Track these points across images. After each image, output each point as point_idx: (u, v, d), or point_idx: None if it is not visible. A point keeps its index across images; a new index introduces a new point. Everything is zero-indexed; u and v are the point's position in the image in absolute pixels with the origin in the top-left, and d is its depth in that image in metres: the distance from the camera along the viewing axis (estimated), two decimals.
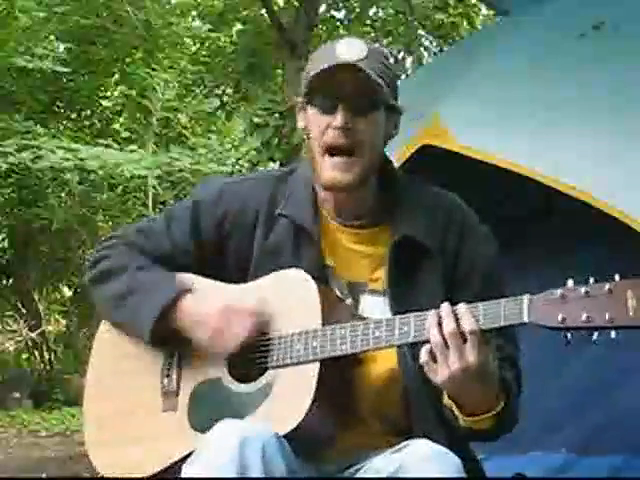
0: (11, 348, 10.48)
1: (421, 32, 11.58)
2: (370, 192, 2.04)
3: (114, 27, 9.54)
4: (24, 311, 10.48)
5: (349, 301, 2.01)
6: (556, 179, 3.13)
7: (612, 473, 3.38)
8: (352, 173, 1.95)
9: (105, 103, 10.86)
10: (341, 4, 11.63)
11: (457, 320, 1.76)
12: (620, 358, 3.41)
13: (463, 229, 2.03)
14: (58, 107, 10.56)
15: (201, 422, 1.93)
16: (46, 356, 10.41)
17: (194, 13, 11.06)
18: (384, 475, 1.79)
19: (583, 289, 1.70)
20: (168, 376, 2.03)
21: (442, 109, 3.53)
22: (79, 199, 9.28)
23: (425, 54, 11.37)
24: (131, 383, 2.06)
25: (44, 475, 5.83)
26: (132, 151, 8.51)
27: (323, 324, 1.90)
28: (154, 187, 8.61)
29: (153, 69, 9.06)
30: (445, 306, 1.79)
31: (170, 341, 2.02)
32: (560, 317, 1.70)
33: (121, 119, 10.89)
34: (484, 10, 10.96)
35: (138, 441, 2.01)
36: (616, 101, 3.23)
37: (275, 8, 10.27)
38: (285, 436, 1.79)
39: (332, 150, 1.95)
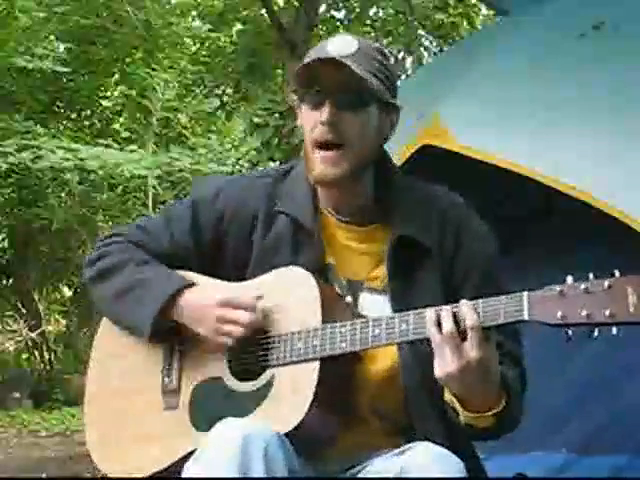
0: (11, 348, 10.48)
1: (421, 32, 11.58)
2: (365, 188, 2.04)
3: (114, 27, 9.54)
4: (24, 311, 10.48)
5: (348, 299, 2.01)
6: (556, 179, 3.13)
7: (613, 473, 3.38)
8: (340, 167, 1.95)
9: (105, 103, 10.86)
10: (341, 4, 11.63)
11: (457, 317, 1.76)
12: (621, 357, 3.41)
13: (461, 227, 2.03)
14: (58, 107, 10.56)
15: (202, 421, 1.93)
16: (46, 356, 10.42)
17: (194, 13, 11.07)
18: (387, 477, 1.79)
19: (583, 285, 1.70)
20: (169, 375, 2.03)
21: (442, 109, 3.53)
22: (79, 199, 9.28)
23: (425, 54, 11.38)
24: (132, 382, 2.06)
25: (44, 475, 5.83)
26: (132, 151, 8.51)
27: (323, 322, 1.90)
28: (154, 187, 8.61)
29: (153, 69, 9.06)
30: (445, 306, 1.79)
31: (170, 337, 2.02)
32: (560, 314, 1.70)
33: (121, 119, 10.90)
34: (484, 10, 10.97)
35: (139, 440, 2.01)
36: (616, 101, 3.23)
37: (275, 8, 10.28)
38: (286, 435, 1.79)
39: (320, 145, 1.96)
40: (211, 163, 8.77)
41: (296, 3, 10.30)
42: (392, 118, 2.04)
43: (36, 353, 10.43)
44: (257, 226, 2.05)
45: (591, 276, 1.71)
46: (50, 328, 10.78)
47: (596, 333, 1.69)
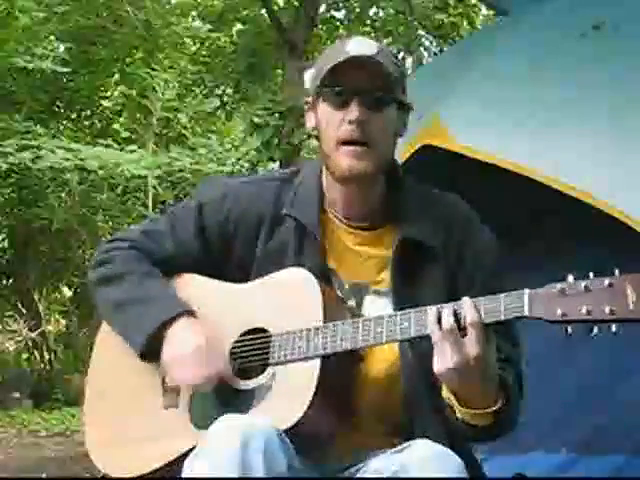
0: (11, 348, 10.47)
1: (421, 32, 11.58)
2: (378, 191, 2.05)
3: (114, 27, 9.54)
4: (24, 311, 10.47)
5: (352, 302, 2.01)
6: (556, 179, 3.14)
7: (613, 473, 3.38)
8: (367, 161, 1.97)
9: (105, 103, 10.87)
10: (341, 4, 11.64)
11: (457, 313, 1.77)
12: (621, 357, 3.41)
13: (465, 230, 2.04)
14: (58, 107, 10.56)
15: (203, 419, 1.93)
16: (46, 356, 10.41)
17: (194, 13, 11.07)
18: (385, 475, 1.79)
19: (583, 283, 1.72)
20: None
21: (442, 109, 3.53)
22: (79, 199, 9.27)
23: (425, 54, 11.38)
24: (132, 381, 2.07)
25: (44, 475, 5.83)
26: (132, 151, 8.51)
27: (324, 322, 1.90)
28: (154, 187, 8.61)
29: (153, 69, 9.06)
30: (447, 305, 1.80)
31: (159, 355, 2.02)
32: (560, 311, 1.71)
33: (121, 119, 10.90)
34: (484, 10, 10.97)
35: (140, 439, 2.02)
36: (616, 101, 3.23)
37: (275, 8, 10.28)
38: (286, 433, 1.80)
39: (346, 142, 1.96)
40: (211, 163, 8.78)
41: (296, 3, 10.30)
42: (405, 118, 2.06)
43: (36, 353, 10.42)
44: (263, 229, 2.06)
45: (591, 274, 1.72)
46: (50, 328, 10.78)
47: (595, 330, 1.70)
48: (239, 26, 11.27)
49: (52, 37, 9.45)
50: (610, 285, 1.69)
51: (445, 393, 1.87)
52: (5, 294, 11.06)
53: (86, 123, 11.01)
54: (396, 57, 2.04)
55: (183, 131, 10.00)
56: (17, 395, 9.12)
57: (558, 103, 3.32)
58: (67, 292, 11.33)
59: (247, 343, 1.98)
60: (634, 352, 3.30)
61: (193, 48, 11.21)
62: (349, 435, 1.94)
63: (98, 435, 2.09)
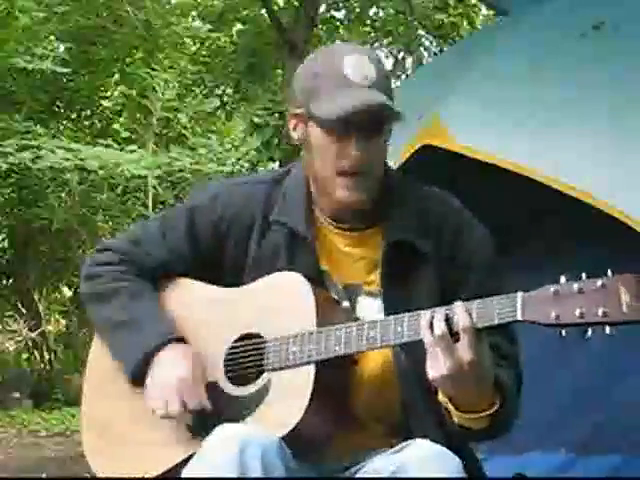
0: (11, 348, 10.47)
1: (421, 32, 11.59)
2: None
3: (114, 27, 9.53)
4: (24, 311, 10.47)
5: (345, 304, 2.01)
6: (556, 179, 3.14)
7: (612, 473, 3.38)
8: (365, 191, 1.96)
9: (105, 103, 10.86)
10: (341, 4, 11.64)
11: (449, 318, 1.77)
12: (619, 357, 3.41)
13: (458, 229, 2.02)
14: (58, 107, 10.55)
15: (199, 426, 1.93)
16: (46, 356, 10.40)
17: (194, 13, 11.06)
18: (384, 475, 1.79)
19: (576, 285, 1.70)
20: None
21: (442, 109, 3.53)
22: (79, 199, 9.27)
23: (425, 54, 11.39)
24: (129, 386, 2.05)
25: (44, 475, 5.83)
26: (132, 151, 8.51)
27: (318, 326, 1.90)
28: (154, 187, 8.61)
29: (153, 69, 9.06)
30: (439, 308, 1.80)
31: None
32: (554, 314, 1.70)
33: (121, 119, 10.89)
34: (484, 10, 10.97)
35: (136, 446, 2.01)
36: (616, 101, 3.23)
37: (275, 8, 10.28)
38: (283, 438, 1.79)
39: (344, 173, 1.95)
40: (211, 163, 8.77)
41: (296, 3, 10.31)
42: (392, 127, 2.04)
43: (36, 353, 10.41)
44: (253, 233, 2.05)
45: (584, 276, 1.71)
46: (50, 328, 10.77)
47: (589, 333, 1.70)
48: (239, 26, 11.27)
49: (52, 37, 9.44)
50: (603, 286, 1.68)
51: (441, 397, 1.86)
52: (5, 294, 11.06)
53: (86, 123, 11.00)
54: (382, 63, 2.00)
55: (183, 131, 9.99)
56: (17, 395, 9.12)
57: (558, 103, 3.32)
58: (67, 292, 11.32)
59: (242, 349, 1.97)
60: (630, 352, 3.31)
61: (193, 48, 11.20)
62: (347, 437, 1.94)
63: (95, 441, 2.08)
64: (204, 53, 11.26)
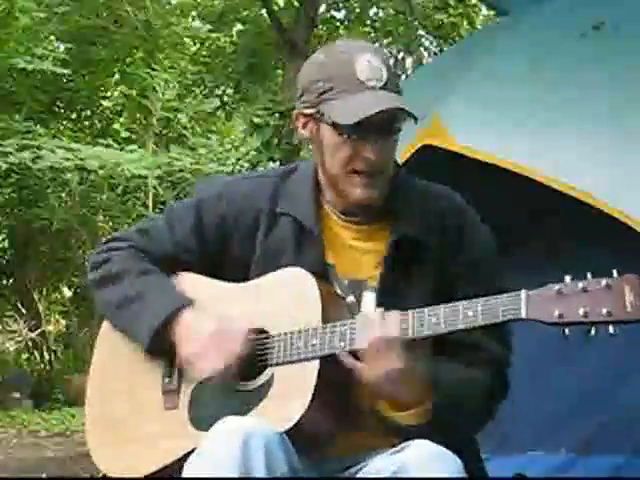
0: (11, 348, 10.47)
1: (421, 32, 11.59)
2: None
3: (114, 27, 9.54)
4: (24, 311, 10.47)
5: (351, 299, 2.01)
6: (556, 179, 3.14)
7: (612, 473, 3.38)
8: (378, 189, 1.98)
9: (105, 103, 10.87)
10: (341, 4, 11.65)
11: (382, 327, 1.81)
12: (620, 357, 3.41)
13: (462, 226, 2.04)
14: (58, 107, 10.56)
15: (202, 420, 1.93)
16: (46, 356, 10.41)
17: (194, 13, 11.07)
18: (385, 475, 1.79)
19: (580, 284, 1.71)
20: (169, 375, 2.03)
21: (442, 109, 3.53)
22: (79, 199, 9.28)
23: (425, 54, 11.39)
24: (132, 382, 2.06)
25: (44, 475, 5.83)
26: (132, 151, 8.51)
27: (323, 321, 1.91)
28: (154, 187, 8.62)
29: (153, 69, 9.07)
30: (377, 312, 1.84)
31: (167, 350, 2.02)
32: (557, 312, 1.71)
33: (121, 119, 10.90)
34: (484, 10, 10.97)
35: (140, 440, 2.01)
36: (616, 101, 3.23)
37: (275, 8, 10.28)
38: (286, 433, 1.80)
39: (359, 172, 1.96)
40: (211, 163, 8.78)
41: (296, 3, 10.31)
42: None
43: (36, 353, 10.42)
44: (260, 227, 2.05)
45: (589, 275, 1.71)
46: (50, 328, 10.77)
47: (593, 332, 1.70)
48: (239, 26, 11.28)
49: (52, 37, 9.45)
50: (608, 286, 1.69)
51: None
52: (5, 294, 11.06)
53: (86, 123, 11.01)
54: (388, 56, 2.04)
55: (183, 131, 10.00)
56: (17, 395, 9.12)
57: (558, 103, 3.32)
58: (67, 292, 11.33)
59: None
60: (633, 353, 3.30)
61: (193, 48, 11.21)
62: (349, 435, 1.94)
63: (99, 436, 2.09)
64: (204, 53, 11.27)
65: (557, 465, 3.51)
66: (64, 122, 10.73)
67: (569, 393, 3.59)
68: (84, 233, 9.63)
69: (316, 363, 1.88)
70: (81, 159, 8.09)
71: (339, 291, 2.01)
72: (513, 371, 2.05)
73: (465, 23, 11.48)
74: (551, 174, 3.15)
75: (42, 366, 10.33)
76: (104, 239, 2.21)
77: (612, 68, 3.29)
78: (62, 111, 10.73)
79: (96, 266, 2.12)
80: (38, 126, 8.83)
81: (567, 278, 1.73)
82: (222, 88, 11.31)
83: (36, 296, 10.58)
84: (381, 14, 11.79)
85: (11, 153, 7.99)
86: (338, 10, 11.74)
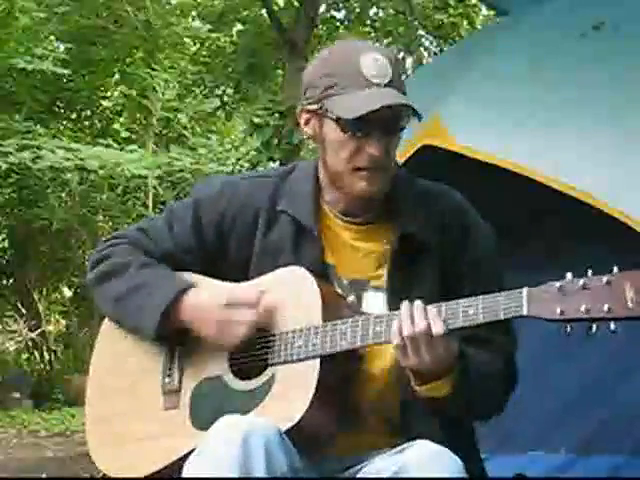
0: (11, 348, 10.47)
1: (421, 32, 11.59)
2: None
3: (114, 27, 9.54)
4: (24, 311, 10.47)
5: (351, 298, 2.01)
6: (556, 179, 3.14)
7: (612, 473, 3.38)
8: (381, 183, 1.98)
9: (105, 103, 10.87)
10: (341, 4, 11.64)
11: (413, 321, 1.81)
12: (621, 356, 3.41)
13: (463, 225, 2.04)
14: (58, 107, 10.56)
15: (203, 420, 1.93)
16: (46, 356, 10.41)
17: (194, 13, 11.07)
18: (385, 475, 1.79)
19: (581, 281, 1.72)
20: (170, 374, 2.03)
21: (442, 109, 3.53)
22: (79, 199, 9.28)
23: (425, 54, 11.39)
24: (133, 382, 2.07)
25: (44, 475, 5.82)
26: (132, 151, 8.51)
27: (324, 321, 1.90)
28: (154, 187, 8.62)
29: (153, 69, 9.07)
30: (406, 306, 1.83)
31: (174, 338, 2.02)
32: (559, 309, 1.72)
33: (121, 119, 10.90)
34: (484, 10, 10.97)
35: (140, 439, 2.01)
36: (616, 101, 3.23)
37: (275, 8, 10.28)
38: (286, 433, 1.80)
39: (363, 169, 1.96)
40: (211, 163, 8.78)
41: (296, 3, 10.30)
42: None
43: (36, 353, 10.42)
44: (259, 226, 2.05)
45: (590, 272, 1.72)
46: (50, 328, 10.77)
47: (594, 329, 1.70)
48: (239, 26, 11.27)
49: (52, 37, 9.45)
50: (608, 283, 1.69)
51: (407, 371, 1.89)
52: (5, 294, 11.06)
53: (86, 123, 11.01)
54: (399, 61, 2.02)
55: (183, 131, 10.00)
56: (17, 395, 9.12)
57: (558, 103, 3.32)
58: (67, 292, 11.33)
59: (247, 343, 1.98)
60: (634, 351, 3.30)
61: (193, 48, 11.21)
62: (350, 435, 1.94)
63: (99, 435, 2.09)
64: (204, 53, 11.28)
65: (557, 465, 3.51)
66: (64, 122, 10.73)
67: (570, 391, 3.59)
68: (84, 233, 9.63)
69: (317, 362, 1.88)
70: (81, 159, 8.09)
71: (339, 291, 2.01)
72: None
73: (465, 23, 11.48)
74: (551, 174, 3.15)
75: (42, 366, 10.33)
76: (104, 238, 2.21)
77: (612, 68, 3.29)
78: (62, 111, 10.73)
79: (96, 264, 2.12)
80: (38, 126, 8.82)
81: (568, 275, 1.74)
82: (222, 88, 11.30)
83: (36, 296, 10.58)
84: (381, 14, 11.79)
85: (11, 153, 7.99)
86: (338, 10, 11.73)
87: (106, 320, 2.14)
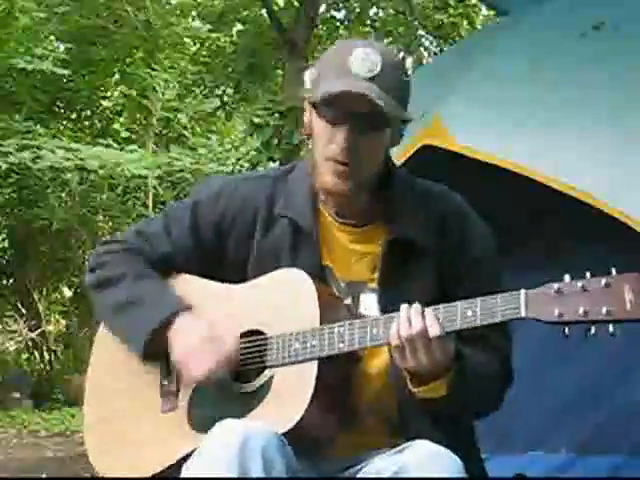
0: (11, 348, 10.47)
1: (421, 32, 11.59)
2: (369, 194, 2.04)
3: (114, 27, 9.54)
4: (24, 311, 10.47)
5: (348, 300, 2.01)
6: (556, 179, 3.14)
7: (612, 473, 3.38)
8: (350, 181, 1.95)
9: (105, 103, 10.87)
10: (341, 4, 11.64)
11: (411, 323, 1.81)
12: (620, 357, 3.41)
13: (462, 228, 2.04)
14: (58, 107, 10.56)
15: (201, 422, 1.93)
16: (46, 356, 10.41)
17: (194, 13, 11.07)
18: (385, 476, 1.79)
19: (580, 283, 1.71)
20: (168, 377, 2.03)
21: (442, 109, 3.53)
22: (79, 199, 9.27)
23: (425, 54, 11.39)
24: (131, 384, 2.06)
25: (44, 475, 5.82)
26: (132, 151, 8.51)
27: (321, 323, 1.90)
28: (154, 187, 8.62)
29: (153, 69, 9.07)
30: (405, 308, 1.83)
31: (163, 355, 2.02)
32: (557, 311, 1.71)
33: (121, 119, 10.90)
34: (484, 10, 10.97)
35: (138, 442, 2.01)
36: (616, 101, 3.23)
37: (275, 8, 10.28)
38: (285, 435, 1.80)
39: (332, 160, 1.95)
40: (211, 163, 8.78)
41: (296, 3, 10.30)
42: (402, 130, 2.03)
43: (36, 353, 10.42)
44: (258, 227, 2.05)
45: (588, 274, 1.72)
46: (50, 328, 10.77)
47: (593, 331, 1.70)
48: (239, 26, 11.27)
49: (52, 37, 9.45)
50: (607, 285, 1.69)
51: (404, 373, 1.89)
52: (5, 294, 11.06)
53: (86, 123, 11.01)
54: (402, 67, 1.99)
55: (183, 131, 10.00)
56: (17, 395, 9.12)
57: (558, 103, 3.32)
58: (67, 292, 11.32)
59: (244, 346, 1.97)
60: (633, 351, 3.30)
61: (193, 48, 11.21)
62: (349, 436, 1.94)
63: (97, 437, 2.09)
64: (204, 53, 11.28)
65: (557, 465, 3.51)
66: (64, 122, 10.73)
67: (569, 392, 3.59)
68: (84, 233, 9.63)
69: (315, 364, 1.88)
70: (81, 159, 8.09)
71: (337, 293, 2.01)
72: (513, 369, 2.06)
73: (465, 23, 11.48)
74: (551, 174, 3.15)
75: (42, 366, 10.33)
76: (102, 240, 2.21)
77: (612, 68, 3.29)
78: (62, 111, 10.73)
79: (92, 269, 2.12)
80: (38, 126, 8.82)
81: (567, 277, 1.73)
82: (222, 88, 11.31)
83: (36, 296, 10.58)
84: (381, 14, 11.79)
85: (11, 153, 7.99)
86: (338, 10, 11.73)
87: (102, 324, 2.15)
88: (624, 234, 2.97)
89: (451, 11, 11.42)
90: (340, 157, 1.93)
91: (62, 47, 9.38)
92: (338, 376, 1.91)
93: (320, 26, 11.36)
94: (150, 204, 8.69)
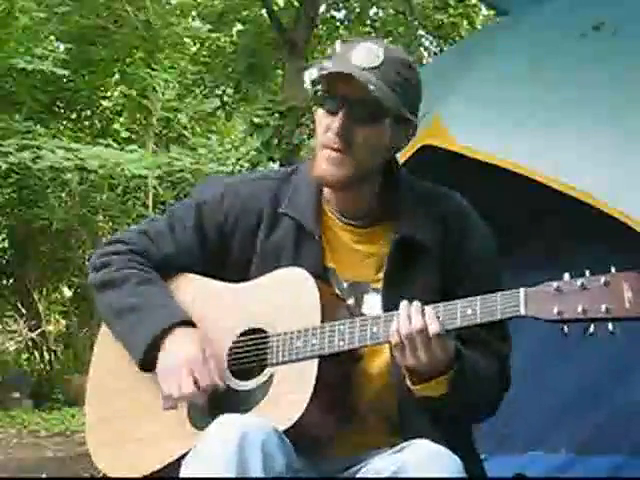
0: (11, 348, 10.47)
1: (421, 32, 11.59)
2: (372, 192, 2.04)
3: (114, 27, 9.54)
4: (24, 311, 10.47)
5: (351, 301, 2.01)
6: (556, 179, 3.14)
7: (612, 473, 3.38)
8: (342, 169, 1.96)
9: (105, 103, 10.87)
10: (341, 4, 11.65)
11: (411, 321, 1.81)
12: (619, 354, 3.40)
13: (463, 229, 2.04)
14: (58, 107, 10.56)
15: (202, 420, 1.93)
16: (46, 356, 10.40)
17: (194, 13, 11.07)
18: (385, 475, 1.79)
19: (579, 282, 1.72)
20: None
21: (442, 109, 3.53)
22: (79, 199, 9.27)
23: (425, 54, 11.39)
24: (132, 382, 2.06)
25: (44, 475, 5.82)
26: (132, 151, 8.51)
27: (323, 322, 1.91)
28: (154, 187, 8.62)
29: (153, 69, 9.07)
30: (405, 306, 1.83)
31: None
32: (556, 309, 1.72)
33: (121, 119, 10.90)
34: (484, 10, 10.97)
35: (139, 440, 2.02)
36: (616, 101, 3.23)
37: (275, 8, 10.28)
38: (285, 433, 1.80)
39: (327, 147, 1.96)
40: (211, 163, 8.78)
41: (296, 3, 10.31)
42: (408, 131, 2.03)
43: (36, 353, 10.41)
44: (261, 227, 2.06)
45: (587, 272, 1.72)
46: (50, 328, 10.76)
47: (592, 329, 1.70)
48: (239, 26, 11.28)
49: (52, 37, 9.45)
50: (606, 283, 1.69)
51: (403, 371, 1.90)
52: (5, 294, 11.06)
53: (86, 123, 11.01)
54: (407, 66, 2.00)
55: (183, 131, 10.00)
56: (17, 395, 9.11)
57: (558, 103, 3.32)
58: (67, 292, 11.32)
59: (245, 344, 1.98)
60: (633, 351, 3.30)
61: (193, 48, 11.22)
62: (349, 435, 1.94)
63: (99, 435, 2.09)
64: (204, 53, 11.28)
65: (557, 465, 3.51)
66: (64, 122, 10.73)
67: (569, 392, 3.59)
68: (84, 233, 9.63)
69: (315, 363, 1.88)
70: (81, 159, 8.09)
71: (339, 293, 2.01)
72: (512, 369, 2.05)
73: (465, 23, 11.48)
74: (551, 174, 3.15)
75: (42, 366, 10.33)
76: (105, 240, 2.21)
77: (612, 68, 3.29)
78: (62, 111, 10.73)
79: (96, 269, 2.12)
80: (38, 126, 8.82)
81: (566, 275, 1.74)
82: (222, 88, 11.31)
83: (36, 296, 10.58)
84: (381, 14, 11.79)
85: (11, 153, 7.99)
86: (338, 10, 11.74)
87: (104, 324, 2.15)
88: (624, 234, 2.97)
89: (451, 11, 11.43)
90: (334, 144, 1.94)
91: (62, 47, 9.39)
92: (338, 375, 1.91)
93: (320, 26, 11.36)
94: (150, 204, 8.69)
